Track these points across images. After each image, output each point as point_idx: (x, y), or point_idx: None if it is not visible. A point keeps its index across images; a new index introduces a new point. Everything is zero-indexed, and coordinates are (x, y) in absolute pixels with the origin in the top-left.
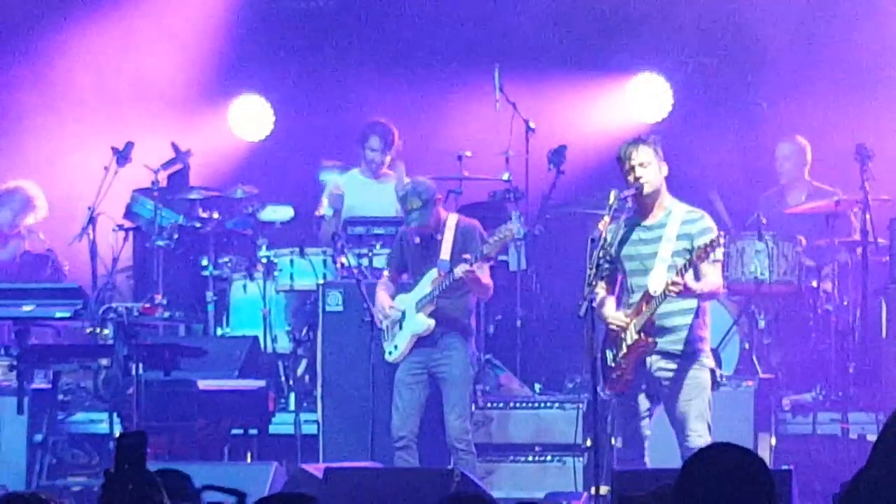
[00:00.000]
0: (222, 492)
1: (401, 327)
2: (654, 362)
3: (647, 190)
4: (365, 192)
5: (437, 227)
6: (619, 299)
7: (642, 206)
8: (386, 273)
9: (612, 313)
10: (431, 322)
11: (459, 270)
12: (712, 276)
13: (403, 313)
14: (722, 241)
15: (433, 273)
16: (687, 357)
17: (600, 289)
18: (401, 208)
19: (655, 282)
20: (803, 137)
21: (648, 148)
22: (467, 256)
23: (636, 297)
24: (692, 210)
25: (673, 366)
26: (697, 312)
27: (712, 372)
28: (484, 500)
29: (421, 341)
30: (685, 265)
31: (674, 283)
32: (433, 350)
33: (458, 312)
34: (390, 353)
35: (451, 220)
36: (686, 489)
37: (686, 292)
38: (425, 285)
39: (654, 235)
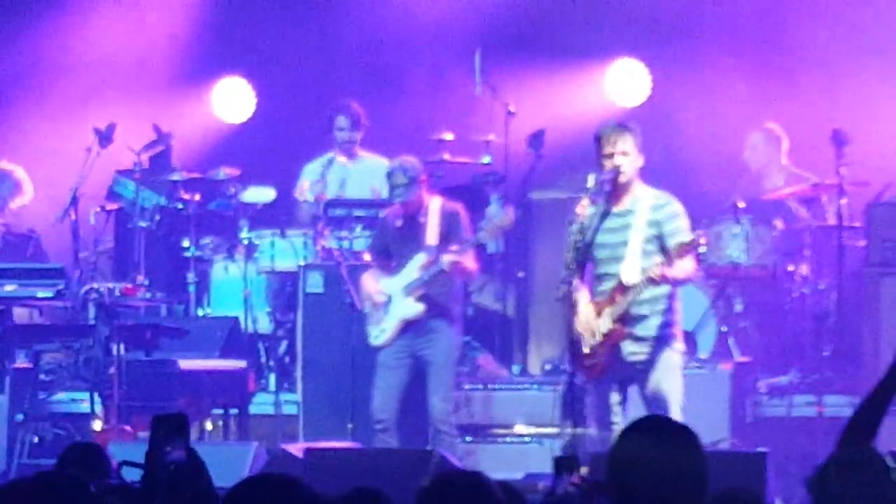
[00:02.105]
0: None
1: (387, 311)
2: (626, 346)
3: (621, 180)
4: (341, 175)
5: (420, 207)
6: (590, 287)
7: (613, 192)
8: (367, 257)
9: (584, 320)
10: (421, 307)
11: (446, 261)
12: (687, 263)
13: (389, 297)
14: (703, 240)
15: (421, 257)
16: (659, 341)
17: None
18: (386, 185)
19: (628, 272)
20: (776, 123)
21: (630, 137)
22: (455, 248)
23: (607, 286)
24: (660, 195)
25: (645, 349)
26: (669, 297)
27: (682, 355)
28: (472, 479)
29: (406, 325)
30: (669, 256)
31: (652, 276)
32: (418, 333)
33: (444, 297)
34: (377, 337)
35: (435, 203)
36: (618, 458)
37: (664, 281)
38: (412, 270)
39: (622, 223)
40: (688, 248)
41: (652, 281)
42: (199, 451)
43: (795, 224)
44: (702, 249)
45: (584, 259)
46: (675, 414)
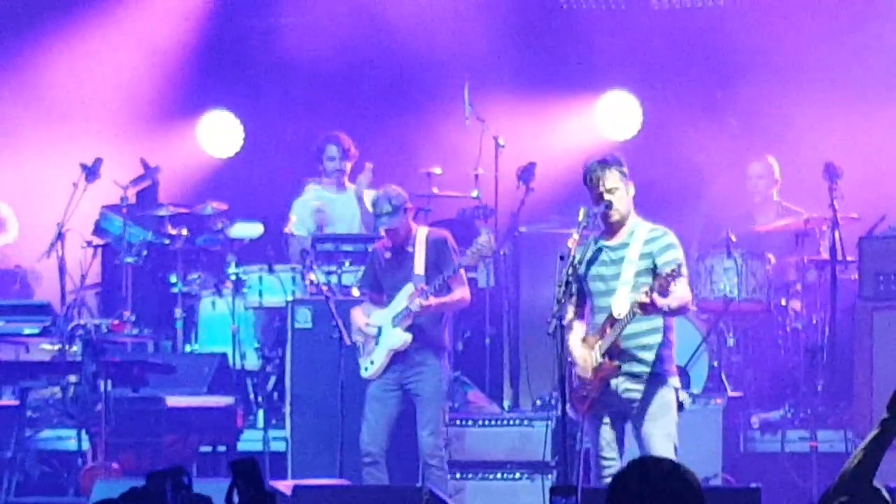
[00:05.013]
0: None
1: (377, 343)
2: (621, 383)
3: (615, 217)
4: (329, 206)
5: (407, 237)
6: (588, 321)
7: (609, 227)
8: (355, 292)
9: (577, 350)
10: (408, 336)
11: (415, 306)
12: (680, 291)
13: (379, 329)
14: (684, 270)
15: (409, 288)
16: (654, 377)
17: (569, 310)
18: (372, 213)
19: (619, 304)
20: (772, 156)
21: (615, 171)
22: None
23: (600, 318)
24: (655, 228)
25: (640, 386)
26: (664, 331)
27: (676, 392)
28: None
29: (395, 357)
30: (651, 288)
31: (641, 304)
32: (407, 365)
33: (432, 328)
34: (366, 368)
35: (421, 233)
36: (617, 498)
37: (654, 309)
38: (401, 300)
39: (617, 256)
40: (668, 278)
41: (643, 308)
42: None
43: (788, 258)
44: (683, 271)
45: (577, 296)
46: (669, 452)
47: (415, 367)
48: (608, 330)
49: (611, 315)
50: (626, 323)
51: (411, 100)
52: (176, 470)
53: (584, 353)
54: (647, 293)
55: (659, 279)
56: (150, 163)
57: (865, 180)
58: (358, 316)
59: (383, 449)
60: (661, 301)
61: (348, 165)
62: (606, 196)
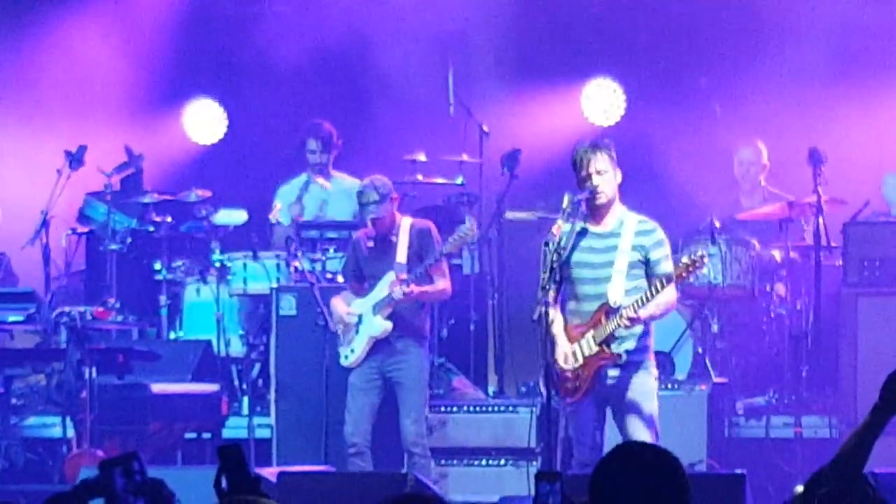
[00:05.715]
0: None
1: (357, 331)
2: (606, 370)
3: (602, 200)
4: (320, 197)
5: (391, 226)
6: (563, 307)
7: (594, 211)
8: (340, 279)
9: (562, 345)
10: (389, 325)
11: (396, 294)
12: (668, 294)
13: (360, 317)
14: (706, 260)
15: (390, 276)
16: (636, 364)
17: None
18: (357, 203)
19: (614, 293)
20: (760, 141)
21: (605, 154)
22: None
23: (588, 306)
24: (644, 220)
25: (625, 373)
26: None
27: (657, 379)
28: (427, 499)
29: (376, 345)
30: (641, 298)
31: (630, 319)
32: (388, 354)
33: (413, 316)
34: (346, 357)
35: (405, 222)
36: (601, 484)
37: (638, 322)
38: (382, 288)
39: (607, 244)
40: (691, 268)
41: (631, 321)
42: (169, 476)
43: (772, 244)
44: (704, 271)
45: (560, 278)
46: (651, 439)
47: (396, 356)
48: (603, 319)
49: (605, 304)
50: (626, 314)
51: (395, 87)
52: (127, 457)
53: (568, 348)
54: (636, 304)
55: (679, 268)
56: (134, 150)
57: (851, 165)
58: (338, 304)
59: (367, 439)
60: (645, 313)
61: (330, 157)
62: (595, 178)
